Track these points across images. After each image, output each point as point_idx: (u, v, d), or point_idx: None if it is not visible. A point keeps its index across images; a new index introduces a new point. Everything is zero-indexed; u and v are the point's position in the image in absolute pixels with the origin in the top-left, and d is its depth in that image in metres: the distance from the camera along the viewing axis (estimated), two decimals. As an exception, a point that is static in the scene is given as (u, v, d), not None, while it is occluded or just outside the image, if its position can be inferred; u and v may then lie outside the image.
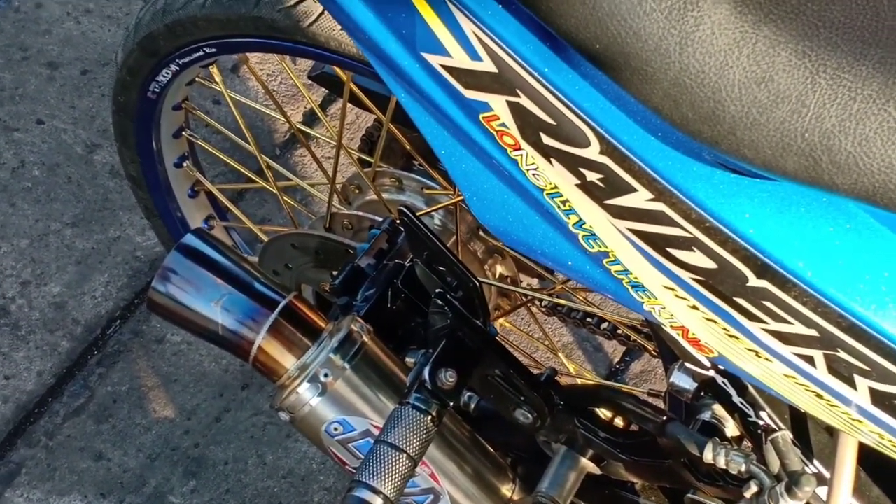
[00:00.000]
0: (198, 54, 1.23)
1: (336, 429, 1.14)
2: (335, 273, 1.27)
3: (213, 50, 1.22)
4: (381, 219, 1.32)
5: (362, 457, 1.15)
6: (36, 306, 1.99)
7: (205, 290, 1.14)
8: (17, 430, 1.87)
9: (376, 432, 1.13)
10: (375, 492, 1.02)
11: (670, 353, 1.23)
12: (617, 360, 1.93)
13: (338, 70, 1.24)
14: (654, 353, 1.53)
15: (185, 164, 1.48)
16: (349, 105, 1.31)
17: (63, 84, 2.23)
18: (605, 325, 1.46)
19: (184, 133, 1.45)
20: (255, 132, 1.76)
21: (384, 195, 1.35)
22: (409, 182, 1.34)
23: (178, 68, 1.27)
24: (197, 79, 1.31)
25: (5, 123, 2.18)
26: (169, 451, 1.85)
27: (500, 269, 1.42)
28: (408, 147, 1.32)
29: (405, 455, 1.03)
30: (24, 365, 1.93)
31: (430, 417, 1.05)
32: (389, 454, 1.03)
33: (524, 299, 1.44)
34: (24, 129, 2.17)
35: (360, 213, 1.30)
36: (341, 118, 1.27)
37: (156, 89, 1.31)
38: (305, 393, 1.12)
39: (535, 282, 1.55)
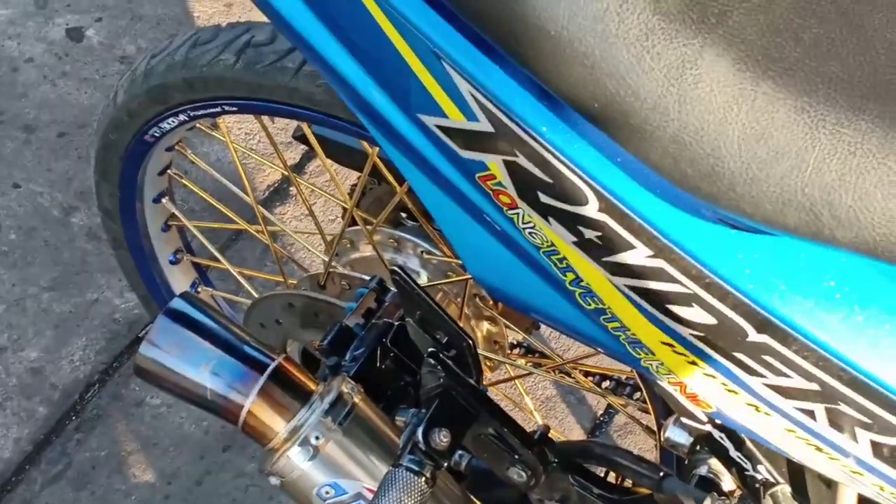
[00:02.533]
0: (215, 110, 1.22)
1: (327, 492, 1.12)
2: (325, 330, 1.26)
3: (234, 109, 1.21)
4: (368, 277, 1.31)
5: (354, 520, 1.14)
6: (13, 372, 1.97)
7: (193, 354, 1.13)
8: (-6, 498, 1.85)
9: (368, 495, 1.12)
10: (372, 556, 1.01)
11: (663, 407, 1.23)
12: (601, 412, 1.93)
13: (364, 144, 1.24)
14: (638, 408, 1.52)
15: (163, 200, 1.47)
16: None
17: (39, 147, 2.22)
18: (606, 384, 1.46)
19: (168, 171, 1.45)
20: (230, 194, 1.75)
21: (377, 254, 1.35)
22: (407, 244, 1.35)
23: (187, 119, 1.26)
24: (198, 125, 1.31)
25: (-20, 188, 2.16)
26: (150, 517, 1.83)
27: (487, 328, 1.42)
28: (421, 218, 1.33)
29: (400, 518, 1.02)
30: (0, 432, 1.90)
31: (424, 479, 1.04)
32: (385, 518, 1.02)
33: (521, 371, 1.44)
34: (0, 193, 2.16)
35: (360, 275, 1.30)
36: (360, 185, 1.28)
37: (156, 133, 1.30)
38: (296, 456, 1.11)
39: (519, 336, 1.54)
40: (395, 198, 1.30)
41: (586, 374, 1.49)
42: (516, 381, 1.51)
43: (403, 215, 1.46)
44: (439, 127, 0.85)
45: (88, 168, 2.18)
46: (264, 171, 2.18)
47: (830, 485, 0.99)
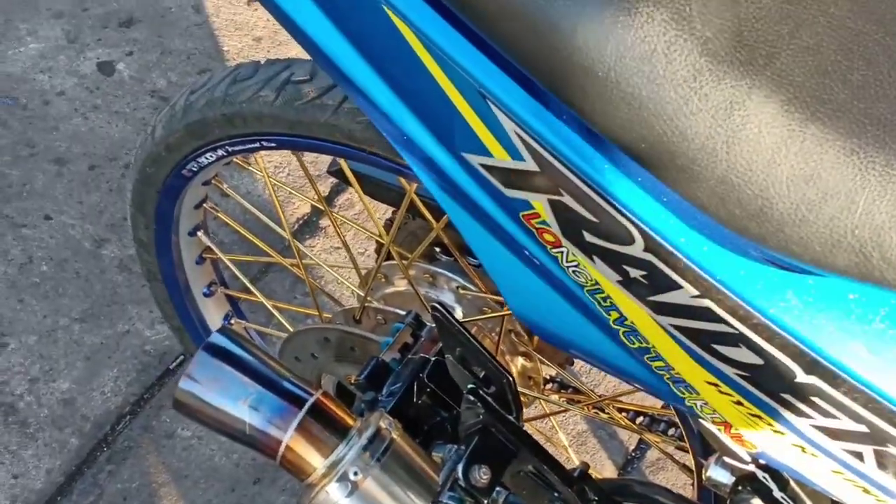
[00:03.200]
0: (253, 145, 1.23)
1: (366, 528, 1.12)
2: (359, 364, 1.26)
3: (273, 144, 1.22)
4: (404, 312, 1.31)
5: (392, 557, 1.13)
6: (44, 403, 1.97)
7: (232, 389, 1.13)
8: (25, 529, 1.85)
9: (407, 531, 1.11)
10: None
11: (702, 445, 1.23)
12: (632, 447, 1.92)
13: (402, 181, 1.25)
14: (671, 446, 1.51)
15: (198, 233, 1.48)
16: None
17: (71, 180, 2.24)
18: (640, 421, 1.45)
19: (205, 205, 1.45)
20: (262, 223, 1.76)
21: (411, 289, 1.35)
22: (442, 279, 1.35)
23: (225, 154, 1.27)
24: (236, 160, 1.31)
25: (13, 220, 2.17)
26: (181, 550, 1.83)
27: (521, 363, 1.42)
28: (456, 253, 1.33)
29: (441, 555, 1.02)
30: (32, 463, 1.91)
31: (464, 516, 1.04)
32: (425, 554, 1.02)
33: (555, 407, 1.44)
34: (31, 225, 2.17)
35: (396, 310, 1.30)
36: (397, 221, 1.30)
37: (193, 168, 1.31)
38: (335, 492, 1.10)
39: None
40: (431, 233, 1.30)
41: (620, 410, 1.48)
42: (550, 417, 1.50)
43: (437, 250, 1.47)
44: (484, 166, 0.85)
45: (119, 200, 2.20)
46: (293, 205, 2.19)
47: (874, 525, 0.98)
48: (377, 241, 1.49)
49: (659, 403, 1.42)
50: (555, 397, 1.50)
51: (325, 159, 2.16)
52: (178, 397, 1.14)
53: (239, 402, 1.12)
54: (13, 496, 1.87)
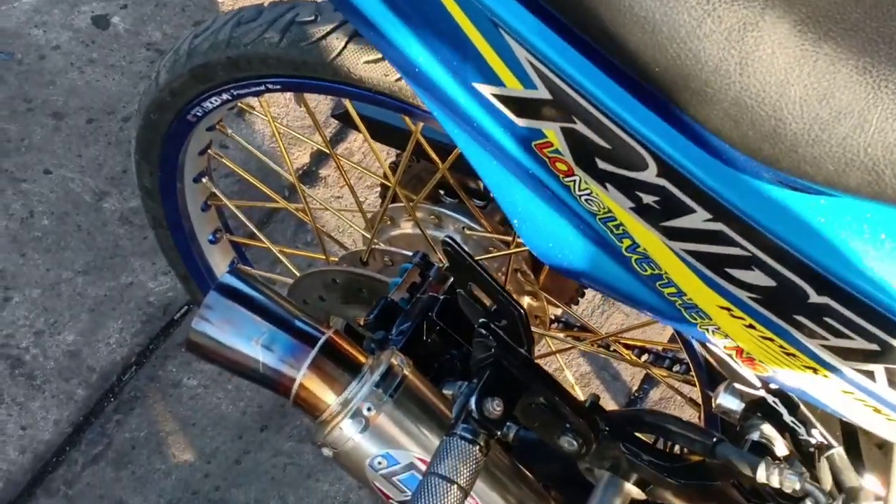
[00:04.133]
0: (258, 88, 1.23)
1: (380, 463, 1.13)
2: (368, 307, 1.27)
3: (278, 87, 1.22)
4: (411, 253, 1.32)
5: (406, 489, 1.15)
6: (50, 355, 1.98)
7: (244, 328, 1.14)
8: (35, 479, 1.86)
9: (420, 465, 1.13)
10: (429, 524, 1.02)
11: (708, 377, 1.24)
12: (635, 387, 1.93)
13: (407, 120, 1.25)
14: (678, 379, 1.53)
15: (203, 180, 1.48)
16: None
17: (69, 134, 2.23)
18: (645, 357, 1.46)
19: (209, 151, 1.46)
20: (265, 171, 1.76)
21: (419, 231, 1.36)
22: (448, 220, 1.36)
23: (230, 98, 1.27)
24: (240, 104, 1.31)
25: (13, 174, 2.17)
26: (189, 496, 1.84)
27: (528, 303, 1.43)
28: (462, 194, 1.33)
29: (456, 486, 1.03)
30: (40, 414, 1.92)
31: (478, 447, 1.05)
32: (441, 486, 1.03)
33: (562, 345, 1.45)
34: (31, 179, 2.17)
35: (403, 251, 1.31)
36: (403, 162, 1.30)
37: (198, 113, 1.31)
38: (348, 428, 1.12)
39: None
40: (437, 174, 1.31)
41: (626, 346, 1.50)
42: (556, 355, 1.52)
43: (442, 192, 1.47)
44: (495, 96, 0.85)
45: (118, 153, 2.20)
46: (292, 154, 2.19)
47: (884, 447, 0.99)
48: (382, 185, 1.50)
49: (664, 339, 1.44)
50: (561, 336, 1.51)
51: (322, 109, 2.16)
52: (190, 338, 1.14)
53: (252, 342, 1.13)
54: (22, 447, 1.89)
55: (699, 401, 1.34)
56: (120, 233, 2.12)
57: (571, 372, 1.92)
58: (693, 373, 1.29)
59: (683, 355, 1.47)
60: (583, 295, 1.50)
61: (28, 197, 2.15)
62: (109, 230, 2.12)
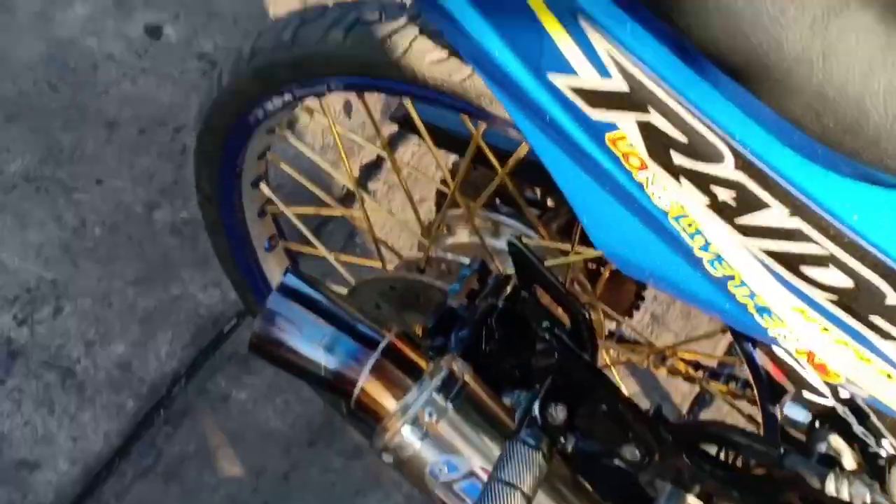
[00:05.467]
0: (320, 88, 1.23)
1: (441, 470, 1.12)
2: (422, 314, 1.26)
3: (340, 87, 1.21)
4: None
5: (466, 498, 1.13)
6: (101, 366, 1.98)
7: (307, 330, 1.14)
8: (85, 491, 1.86)
9: (481, 473, 1.11)
10: (492, 529, 1.00)
11: (769, 392, 1.22)
12: (685, 409, 1.91)
13: (468, 123, 1.25)
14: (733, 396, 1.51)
15: (260, 185, 1.48)
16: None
17: (121, 144, 2.24)
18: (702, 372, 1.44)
19: (267, 154, 1.45)
20: (322, 175, 1.75)
21: (476, 239, 1.35)
22: (505, 228, 1.35)
23: (292, 98, 1.27)
24: (301, 106, 1.31)
25: (65, 184, 2.19)
26: (238, 510, 1.84)
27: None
28: (521, 201, 1.32)
29: (519, 492, 1.02)
30: (90, 426, 1.92)
31: (541, 454, 1.04)
32: (504, 491, 1.02)
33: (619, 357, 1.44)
34: (83, 189, 2.18)
35: (460, 258, 1.30)
36: (463, 168, 1.29)
37: (259, 115, 1.31)
38: (409, 435, 1.11)
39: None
40: (496, 178, 1.30)
41: (682, 361, 1.48)
42: (612, 367, 1.50)
43: (498, 201, 1.46)
44: (570, 87, 0.84)
45: (170, 164, 2.21)
46: (339, 164, 2.19)
47: (957, 459, 0.97)
48: (438, 192, 1.49)
49: (721, 348, 1.41)
50: (616, 348, 1.49)
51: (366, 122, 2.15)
52: (253, 339, 1.14)
53: (314, 344, 1.13)
54: (73, 458, 1.89)
55: (758, 418, 1.32)
56: (170, 244, 2.13)
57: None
58: (753, 387, 1.26)
59: (740, 371, 1.45)
60: (638, 308, 1.48)
61: (80, 207, 2.16)
62: (160, 241, 2.13)
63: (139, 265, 2.10)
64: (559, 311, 1.16)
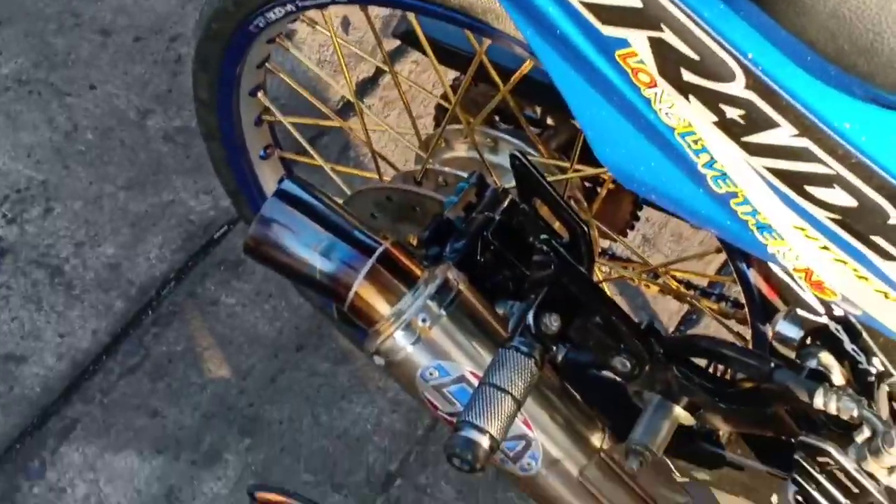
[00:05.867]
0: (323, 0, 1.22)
1: (431, 374, 1.14)
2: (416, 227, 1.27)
3: None
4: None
5: (456, 401, 1.15)
6: (90, 267, 1.99)
7: (303, 235, 1.14)
8: (72, 386, 1.88)
9: (471, 378, 1.13)
10: (482, 431, 1.02)
11: (760, 309, 1.24)
12: (672, 328, 1.94)
13: (471, 39, 1.24)
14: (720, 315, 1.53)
15: (258, 94, 1.48)
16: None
17: (115, 51, 2.23)
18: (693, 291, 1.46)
19: (266, 64, 1.45)
20: (318, 89, 1.75)
21: (474, 154, 1.36)
22: (504, 144, 1.36)
23: (294, 9, 1.26)
24: (302, 17, 1.31)
25: (58, 88, 2.18)
26: (224, 410, 1.86)
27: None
28: (521, 119, 1.33)
29: (510, 397, 1.04)
30: (78, 323, 1.94)
31: (533, 361, 1.06)
32: (495, 395, 1.04)
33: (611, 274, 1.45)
34: (76, 93, 2.17)
35: (457, 172, 1.30)
36: (465, 83, 1.29)
37: (260, 24, 1.31)
38: (401, 339, 1.12)
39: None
40: (498, 95, 1.30)
41: (674, 279, 1.50)
42: (605, 284, 1.52)
43: (497, 119, 1.47)
44: (583, 2, 0.85)
45: (164, 72, 2.20)
46: (338, 77, 2.18)
47: (942, 380, 1.00)
48: (438, 106, 1.49)
49: (711, 269, 1.43)
50: (610, 265, 1.51)
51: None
52: (248, 242, 1.15)
53: (310, 248, 1.13)
54: (59, 354, 1.91)
55: (747, 337, 1.34)
56: (163, 151, 2.13)
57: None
58: (743, 306, 1.29)
59: (731, 291, 1.47)
60: (633, 228, 1.49)
61: (73, 110, 2.16)
62: (153, 147, 2.13)
63: (131, 170, 2.10)
64: (557, 227, 1.18)
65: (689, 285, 1.49)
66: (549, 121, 1.45)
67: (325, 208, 1.16)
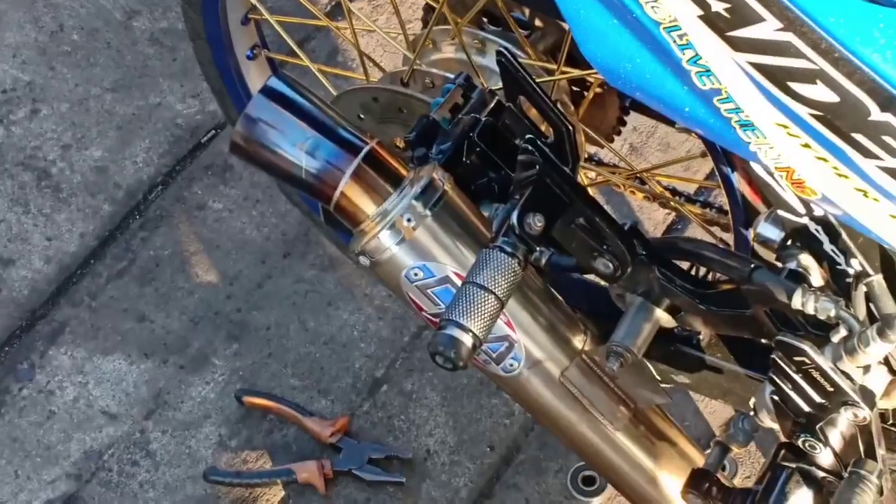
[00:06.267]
0: None
1: (416, 274, 1.15)
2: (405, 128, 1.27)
3: None
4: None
5: (440, 302, 1.16)
6: (77, 169, 1.99)
7: (289, 133, 1.14)
8: (60, 289, 1.89)
9: (455, 279, 1.14)
10: (465, 329, 1.03)
11: (742, 213, 1.25)
12: (661, 232, 1.94)
13: None
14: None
15: None
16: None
17: (101, -51, 2.21)
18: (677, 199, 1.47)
19: None
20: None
21: (461, 56, 1.35)
22: (492, 46, 1.35)
23: None
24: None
25: (43, -14, 2.15)
26: (212, 315, 1.87)
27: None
28: (510, 20, 1.32)
29: (493, 296, 1.05)
30: (65, 227, 1.94)
31: (517, 261, 1.06)
32: (478, 294, 1.04)
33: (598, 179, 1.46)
34: (63, -8, 2.15)
35: (444, 73, 1.30)
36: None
37: None
38: (386, 239, 1.13)
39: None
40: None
41: (660, 185, 1.50)
42: (590, 188, 1.52)
43: (485, 20, 1.46)
44: None
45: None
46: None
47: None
48: (426, 7, 1.48)
49: (698, 177, 1.44)
50: (596, 170, 1.51)
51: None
52: (234, 139, 1.14)
53: (295, 146, 1.13)
54: (47, 257, 1.91)
55: (731, 243, 1.35)
56: (149, 52, 2.11)
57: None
58: (728, 212, 1.29)
59: (716, 198, 1.48)
60: (619, 133, 1.49)
61: (58, 10, 2.13)
62: (139, 49, 2.11)
63: (117, 72, 2.08)
64: (543, 128, 1.18)
65: (674, 191, 1.49)
66: (538, 22, 1.44)
67: (312, 106, 1.16)
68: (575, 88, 1.44)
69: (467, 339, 1.03)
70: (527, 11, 1.45)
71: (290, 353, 1.84)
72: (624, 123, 1.47)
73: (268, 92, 1.15)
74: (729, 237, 1.36)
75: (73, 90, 2.06)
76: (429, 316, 1.18)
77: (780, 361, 1.03)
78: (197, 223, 1.95)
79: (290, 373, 1.82)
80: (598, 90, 1.38)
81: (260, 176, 1.93)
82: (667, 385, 1.28)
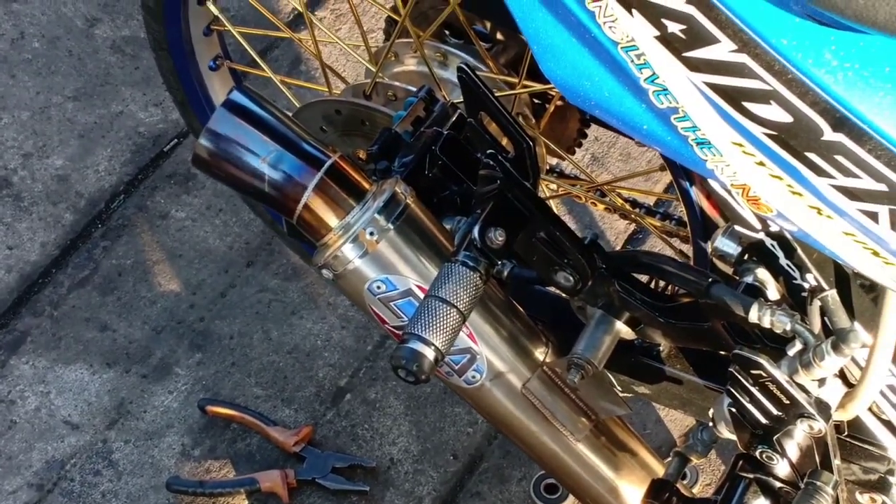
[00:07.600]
0: None
1: (378, 287, 1.15)
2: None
3: None
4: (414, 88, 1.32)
5: (402, 315, 1.17)
6: (38, 178, 1.98)
7: (252, 146, 1.14)
8: (21, 299, 1.88)
9: (418, 292, 1.15)
10: (427, 343, 1.04)
11: (702, 227, 1.26)
12: (621, 243, 1.96)
13: None
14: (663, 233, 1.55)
15: (207, 2, 1.47)
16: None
17: (62, -44, 2.20)
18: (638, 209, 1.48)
19: None
20: (268, 2, 1.74)
21: (424, 68, 1.36)
22: (454, 59, 1.36)
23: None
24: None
25: (4, -6, 2.14)
26: (174, 324, 1.87)
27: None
28: (471, 33, 1.33)
29: (455, 310, 1.05)
30: (27, 236, 1.93)
31: (478, 275, 1.07)
32: (441, 308, 1.05)
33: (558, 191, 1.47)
34: (22, 0, 2.14)
35: (407, 86, 1.30)
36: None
37: None
38: (349, 252, 1.14)
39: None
40: (447, 9, 1.30)
41: (620, 197, 1.52)
42: (552, 201, 1.53)
43: (447, 33, 1.47)
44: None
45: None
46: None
47: (872, 296, 1.02)
48: (388, 20, 1.49)
49: (658, 189, 1.45)
50: (557, 182, 1.52)
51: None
52: (197, 152, 1.15)
53: (259, 160, 1.13)
54: (8, 266, 1.90)
55: (689, 254, 1.36)
56: (111, 61, 2.10)
57: (557, 227, 1.94)
58: (686, 224, 1.31)
59: (676, 210, 1.49)
60: (580, 145, 1.51)
61: (19, 18, 2.13)
62: (101, 57, 2.11)
63: (79, 80, 2.08)
64: (504, 142, 1.19)
65: (634, 203, 1.50)
66: (499, 36, 1.45)
67: (275, 119, 1.16)
68: (536, 101, 1.45)
69: (429, 353, 1.04)
70: (488, 24, 1.46)
71: (253, 363, 1.84)
72: (585, 135, 1.48)
73: (230, 105, 1.15)
74: (689, 248, 1.38)
75: (35, 98, 2.05)
76: (392, 328, 1.19)
77: (737, 374, 1.05)
78: (159, 232, 1.95)
79: (254, 382, 1.82)
80: (559, 103, 1.40)
81: (223, 185, 1.93)
82: (627, 395, 1.30)
